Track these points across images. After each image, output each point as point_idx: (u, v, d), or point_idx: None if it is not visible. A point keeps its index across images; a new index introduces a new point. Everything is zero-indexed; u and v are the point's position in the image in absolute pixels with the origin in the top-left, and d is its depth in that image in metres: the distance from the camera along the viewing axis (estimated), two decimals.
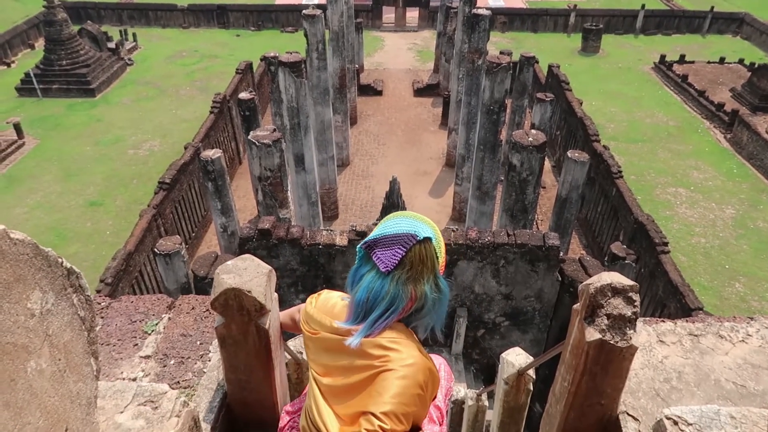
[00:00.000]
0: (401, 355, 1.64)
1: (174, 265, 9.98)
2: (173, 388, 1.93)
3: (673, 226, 16.69)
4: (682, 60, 27.38)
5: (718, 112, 22.48)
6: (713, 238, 16.42)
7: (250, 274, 1.83)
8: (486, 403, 4.52)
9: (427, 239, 1.72)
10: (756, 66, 23.91)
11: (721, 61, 27.13)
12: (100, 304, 2.49)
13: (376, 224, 11.29)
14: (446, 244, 8.11)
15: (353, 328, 1.69)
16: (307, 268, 8.74)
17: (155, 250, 10.00)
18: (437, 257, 1.75)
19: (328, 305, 1.84)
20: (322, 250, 8.50)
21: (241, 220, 14.31)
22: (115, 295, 11.58)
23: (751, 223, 17.05)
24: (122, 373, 2.19)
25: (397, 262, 1.67)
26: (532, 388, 3.07)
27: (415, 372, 1.63)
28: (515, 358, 3.08)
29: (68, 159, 19.54)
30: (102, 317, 2.44)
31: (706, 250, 15.92)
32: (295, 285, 8.93)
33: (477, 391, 4.64)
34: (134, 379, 2.14)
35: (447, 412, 2.26)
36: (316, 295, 1.95)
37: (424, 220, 1.79)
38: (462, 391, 5.27)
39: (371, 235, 1.78)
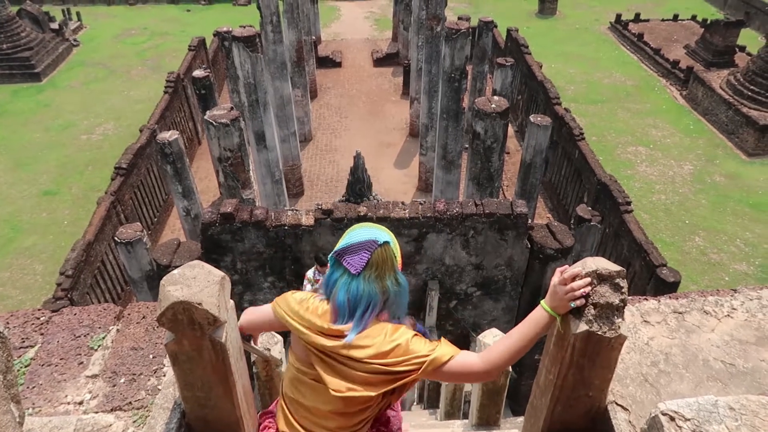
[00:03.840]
0: (396, 333, 1.98)
1: (137, 253, 9.64)
2: (125, 410, 1.75)
3: (634, 185, 16.94)
4: (637, 19, 27.52)
5: (673, 70, 22.73)
6: (673, 194, 16.74)
7: (199, 284, 1.63)
8: None
9: (386, 243, 2.06)
10: (708, 22, 24.17)
11: (675, 18, 27.36)
12: (39, 319, 2.26)
13: (342, 201, 11.05)
14: (415, 218, 8.03)
15: (344, 327, 1.97)
16: (274, 250, 8.53)
17: (116, 238, 9.63)
18: (395, 257, 2.08)
19: (313, 307, 2.07)
20: (288, 231, 8.28)
21: (204, 202, 13.92)
22: (77, 287, 11.19)
23: (708, 177, 17.43)
24: (66, 396, 1.97)
25: (364, 264, 2.01)
26: (511, 370, 2.98)
27: (405, 333, 1.98)
28: (492, 340, 2.98)
29: (17, 148, 18.66)
30: (42, 334, 2.21)
31: (666, 207, 16.23)
32: (263, 268, 8.72)
33: None
34: (80, 403, 1.93)
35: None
36: (299, 297, 2.14)
37: (381, 228, 2.12)
38: None
39: (339, 246, 2.09)
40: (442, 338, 2.03)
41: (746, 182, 17.18)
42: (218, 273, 1.74)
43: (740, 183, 17.16)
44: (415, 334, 2.00)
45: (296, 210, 8.49)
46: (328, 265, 2.11)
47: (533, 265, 8.70)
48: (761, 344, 2.11)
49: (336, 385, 1.95)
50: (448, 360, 1.91)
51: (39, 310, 2.34)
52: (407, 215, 8.04)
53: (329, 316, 2.01)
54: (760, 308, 2.29)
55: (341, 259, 2.04)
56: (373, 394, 1.95)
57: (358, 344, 1.93)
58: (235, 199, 8.62)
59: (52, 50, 24.11)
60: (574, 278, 1.78)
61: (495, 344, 1.91)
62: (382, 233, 2.08)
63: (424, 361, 1.91)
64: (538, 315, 1.86)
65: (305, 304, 2.07)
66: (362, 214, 7.96)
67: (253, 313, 2.27)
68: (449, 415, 5.06)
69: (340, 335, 1.95)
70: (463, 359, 1.92)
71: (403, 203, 8.32)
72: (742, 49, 23.16)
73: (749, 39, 25.04)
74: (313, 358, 2.01)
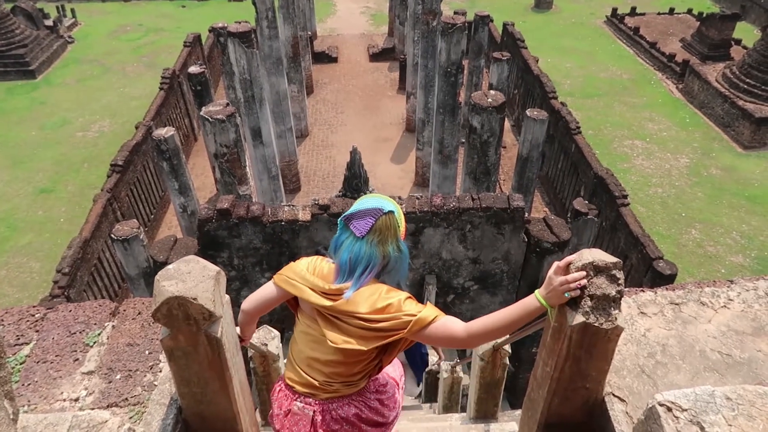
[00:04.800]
0: (390, 293, 2.16)
1: (133, 250, 9.62)
2: (121, 406, 1.74)
3: (631, 178, 16.95)
4: (633, 12, 27.49)
5: (669, 63, 22.72)
6: (669, 187, 16.76)
7: (194, 279, 1.62)
8: (461, 374, 4.46)
9: (391, 212, 2.26)
10: (704, 15, 24.15)
11: (671, 11, 27.34)
12: (33, 316, 2.25)
13: (339, 196, 11.04)
14: (411, 212, 8.03)
15: (343, 285, 2.17)
16: (270, 246, 8.52)
17: (112, 235, 9.61)
18: (398, 226, 2.28)
19: (318, 268, 2.28)
20: (285, 227, 8.27)
21: (200, 198, 13.88)
22: (74, 285, 11.15)
23: (704, 170, 17.45)
24: (62, 393, 1.96)
25: (369, 228, 2.20)
26: (508, 363, 2.98)
27: (399, 294, 2.17)
28: None
29: (12, 145, 18.58)
30: (37, 331, 2.20)
31: (663, 200, 16.25)
32: (260, 264, 8.71)
33: (452, 362, 4.58)
34: (76, 400, 1.93)
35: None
36: (307, 261, 2.33)
37: (387, 199, 2.31)
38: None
39: (348, 211, 2.30)
40: (428, 302, 2.21)
41: (742, 175, 17.21)
42: (213, 268, 1.73)
43: (736, 176, 17.19)
44: (409, 297, 2.17)
45: (293, 205, 8.48)
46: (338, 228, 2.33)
47: (530, 258, 8.71)
48: (757, 335, 2.11)
49: (333, 338, 2.17)
50: (433, 320, 2.07)
51: (34, 306, 2.33)
52: (404, 210, 8.03)
53: (332, 276, 2.23)
54: (757, 299, 2.29)
55: (349, 223, 2.25)
56: (364, 348, 2.15)
57: (355, 300, 2.13)
58: (232, 195, 8.60)
59: (47, 47, 23.98)
60: (569, 266, 1.81)
61: (481, 318, 2.03)
62: (388, 203, 2.29)
63: (411, 321, 2.06)
64: (529, 302, 1.93)
65: (312, 266, 2.29)
66: None
67: (254, 295, 2.40)
68: (447, 408, 5.07)
69: (340, 294, 2.15)
70: (447, 323, 2.08)
71: (399, 198, 8.31)
72: (738, 42, 23.15)
73: (745, 32, 25.05)
74: (316, 315, 2.23)
